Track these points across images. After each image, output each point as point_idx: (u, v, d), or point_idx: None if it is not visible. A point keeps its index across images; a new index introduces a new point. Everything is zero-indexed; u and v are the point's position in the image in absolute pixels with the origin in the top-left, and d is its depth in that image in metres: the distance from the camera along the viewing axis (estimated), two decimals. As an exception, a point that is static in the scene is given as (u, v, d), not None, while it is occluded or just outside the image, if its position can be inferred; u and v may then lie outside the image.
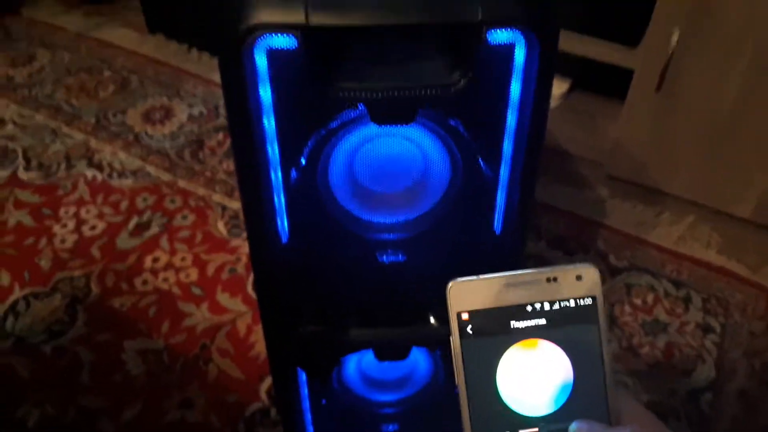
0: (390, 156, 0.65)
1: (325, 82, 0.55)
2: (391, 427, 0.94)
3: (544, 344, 0.36)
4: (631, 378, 1.09)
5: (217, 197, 1.41)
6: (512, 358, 0.35)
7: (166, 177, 1.46)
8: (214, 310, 1.19)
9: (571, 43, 1.35)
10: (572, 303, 0.36)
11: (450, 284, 0.36)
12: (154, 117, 1.63)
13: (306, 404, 0.88)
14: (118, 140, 1.56)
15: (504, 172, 0.66)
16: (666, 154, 1.34)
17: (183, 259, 1.28)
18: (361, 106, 0.57)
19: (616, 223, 1.35)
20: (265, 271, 0.73)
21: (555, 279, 0.36)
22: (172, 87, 1.72)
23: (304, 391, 0.87)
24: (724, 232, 1.33)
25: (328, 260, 0.73)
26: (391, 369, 0.93)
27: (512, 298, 0.35)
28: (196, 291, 1.23)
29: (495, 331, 0.35)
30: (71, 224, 1.35)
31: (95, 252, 1.30)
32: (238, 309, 1.19)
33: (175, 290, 1.23)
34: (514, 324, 0.35)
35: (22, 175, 1.47)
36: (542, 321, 0.35)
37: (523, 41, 0.53)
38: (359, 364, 0.91)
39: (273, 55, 0.52)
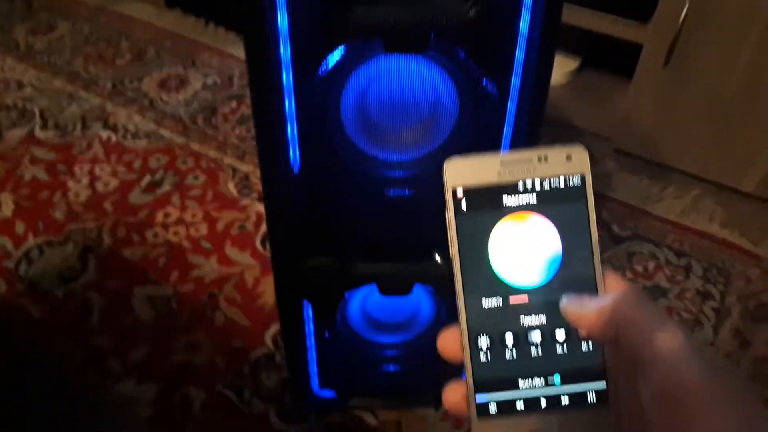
0: (400, 91, 0.67)
1: (340, 8, 0.57)
2: (392, 367, 0.96)
3: (535, 218, 0.37)
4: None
5: (228, 160, 1.43)
6: (503, 230, 0.37)
7: (179, 140, 1.49)
8: (223, 262, 1.22)
9: (583, 18, 1.37)
10: (562, 181, 0.37)
11: (446, 162, 0.37)
12: (169, 85, 1.66)
13: (311, 341, 0.90)
14: (134, 105, 1.59)
15: (511, 108, 0.68)
16: (673, 128, 1.36)
17: (194, 215, 1.31)
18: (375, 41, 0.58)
19: (622, 196, 1.36)
20: (276, 202, 0.75)
21: (546, 158, 0.37)
22: (188, 58, 1.75)
23: (310, 327, 0.89)
24: (727, 206, 1.34)
25: (337, 194, 0.75)
26: (394, 311, 0.94)
27: (505, 175, 0.37)
28: (206, 245, 1.25)
29: (488, 206, 0.37)
30: (85, 180, 1.38)
31: (108, 206, 1.33)
32: (247, 262, 1.21)
33: (185, 243, 1.25)
34: (506, 200, 0.37)
35: (39, 133, 1.50)
36: (533, 198, 0.37)
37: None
38: (363, 306, 0.93)
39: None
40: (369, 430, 1.01)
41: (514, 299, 0.37)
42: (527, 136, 0.69)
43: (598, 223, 0.37)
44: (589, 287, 0.37)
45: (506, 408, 0.37)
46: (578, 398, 0.36)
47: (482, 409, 0.37)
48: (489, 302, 0.37)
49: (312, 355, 0.93)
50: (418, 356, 0.95)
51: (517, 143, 0.70)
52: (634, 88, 1.35)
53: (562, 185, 0.37)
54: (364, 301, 0.92)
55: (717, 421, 0.29)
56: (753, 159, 1.30)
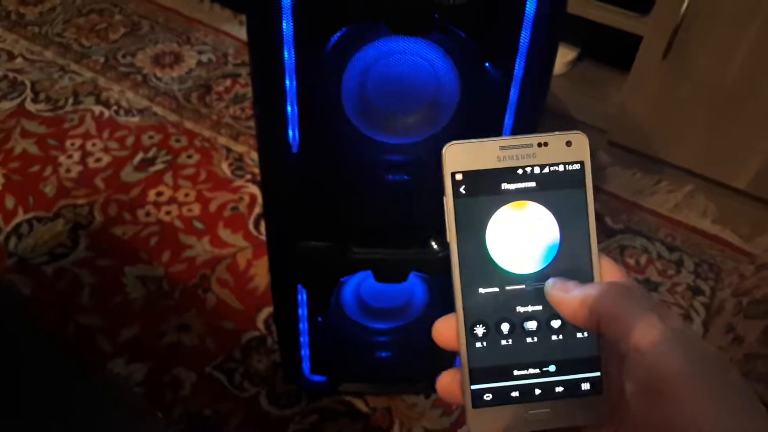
0: (402, 74, 0.66)
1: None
2: (384, 354, 0.96)
3: (533, 205, 0.37)
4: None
5: (222, 140, 1.42)
6: (502, 218, 0.36)
7: (172, 117, 1.47)
8: (216, 243, 1.21)
9: (584, 8, 1.37)
10: (561, 167, 0.37)
11: (446, 146, 0.36)
12: (163, 61, 1.63)
13: (304, 325, 0.90)
14: (127, 80, 1.57)
15: (513, 94, 0.67)
16: (668, 123, 1.36)
17: (186, 195, 1.30)
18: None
19: (615, 189, 1.37)
20: (273, 181, 0.75)
21: (546, 144, 0.37)
22: (183, 34, 1.72)
23: (303, 311, 0.88)
24: (720, 202, 1.35)
25: (335, 177, 0.75)
26: (388, 298, 0.94)
27: (504, 161, 0.36)
28: (198, 225, 1.24)
29: (486, 191, 0.36)
30: (77, 156, 1.36)
31: (99, 183, 1.31)
32: (239, 244, 1.21)
33: (177, 223, 1.24)
34: (505, 186, 0.36)
35: (30, 106, 1.47)
36: (532, 184, 0.36)
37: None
38: (357, 292, 0.93)
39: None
40: (359, 416, 1.01)
41: (510, 287, 0.37)
42: (529, 123, 0.69)
43: None
44: (586, 275, 0.37)
45: (501, 396, 0.37)
46: (573, 387, 0.37)
47: (477, 397, 0.37)
48: (486, 289, 0.37)
49: (304, 339, 0.92)
50: (410, 343, 0.95)
51: (518, 130, 0.69)
52: (631, 80, 1.35)
53: (561, 172, 0.37)
54: (358, 286, 0.92)
55: (698, 413, 0.29)
56: (747, 156, 1.30)
